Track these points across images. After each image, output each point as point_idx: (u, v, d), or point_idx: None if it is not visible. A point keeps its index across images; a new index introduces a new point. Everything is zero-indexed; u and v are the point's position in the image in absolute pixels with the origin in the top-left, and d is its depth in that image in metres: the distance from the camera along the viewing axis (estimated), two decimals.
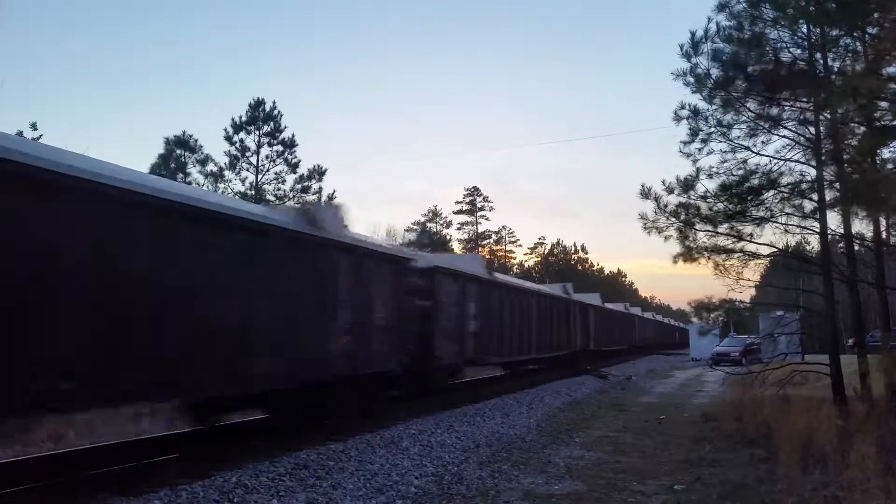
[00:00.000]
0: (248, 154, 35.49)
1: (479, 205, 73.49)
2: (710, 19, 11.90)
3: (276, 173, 35.76)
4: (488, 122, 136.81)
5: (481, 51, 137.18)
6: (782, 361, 13.90)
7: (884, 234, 12.55)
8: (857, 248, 12.78)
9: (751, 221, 12.13)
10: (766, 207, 12.08)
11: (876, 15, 10.39)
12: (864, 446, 7.58)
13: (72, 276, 6.47)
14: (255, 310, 8.91)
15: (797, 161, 12.25)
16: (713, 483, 7.92)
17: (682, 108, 12.46)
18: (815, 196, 11.88)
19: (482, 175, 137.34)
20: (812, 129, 11.90)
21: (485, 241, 74.80)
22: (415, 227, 65.94)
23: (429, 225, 67.57)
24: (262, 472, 7.93)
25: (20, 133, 23.85)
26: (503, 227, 78.11)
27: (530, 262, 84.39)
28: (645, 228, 12.73)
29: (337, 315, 10.77)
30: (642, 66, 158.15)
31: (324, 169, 36.43)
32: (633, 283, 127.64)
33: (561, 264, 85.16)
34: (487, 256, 70.21)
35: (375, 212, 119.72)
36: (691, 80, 12.10)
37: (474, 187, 73.85)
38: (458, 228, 72.85)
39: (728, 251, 12.43)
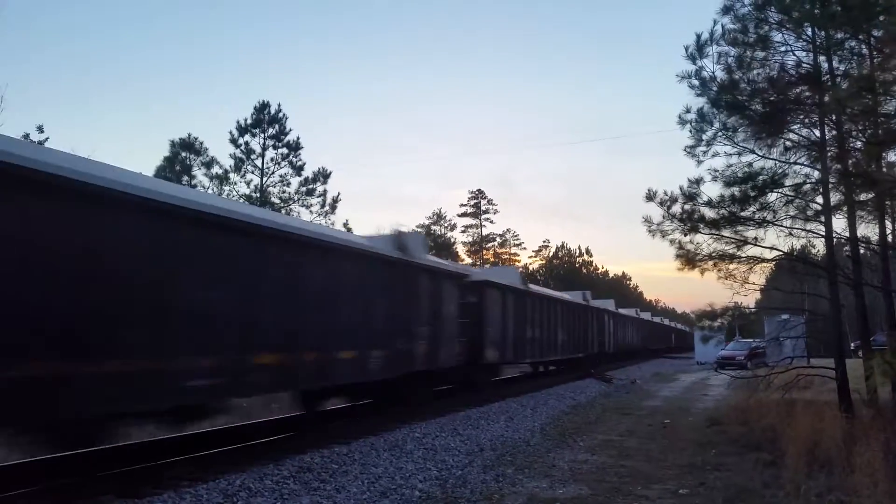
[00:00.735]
0: (253, 156, 35.48)
1: (483, 207, 73.35)
2: (715, 22, 11.88)
3: (280, 176, 35.73)
4: (493, 124, 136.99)
5: (486, 53, 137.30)
6: (788, 365, 13.84)
7: (889, 238, 12.50)
8: (862, 251, 12.72)
9: (755, 225, 12.09)
10: (771, 210, 12.04)
11: (881, 18, 10.36)
12: (870, 451, 7.55)
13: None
14: (369, 318, 11.84)
15: (802, 164, 12.22)
16: (718, 487, 7.89)
17: (688, 111, 12.44)
18: (819, 199, 11.85)
19: (487, 178, 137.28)
20: (817, 132, 11.87)
21: (489, 244, 74.73)
22: (419, 229, 65.92)
23: (433, 227, 67.53)
24: (266, 474, 7.93)
25: (26, 136, 23.84)
26: (508, 229, 78.04)
27: (535, 264, 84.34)
28: (650, 232, 12.70)
29: (419, 322, 13.53)
30: (647, 68, 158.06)
31: (329, 171, 36.39)
32: (637, 286, 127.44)
33: (565, 267, 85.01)
34: (492, 259, 70.36)
35: (380, 214, 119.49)
36: (696, 82, 12.07)
37: (479, 190, 73.75)
38: (463, 231, 72.77)
39: (733, 256, 12.39)
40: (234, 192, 34.41)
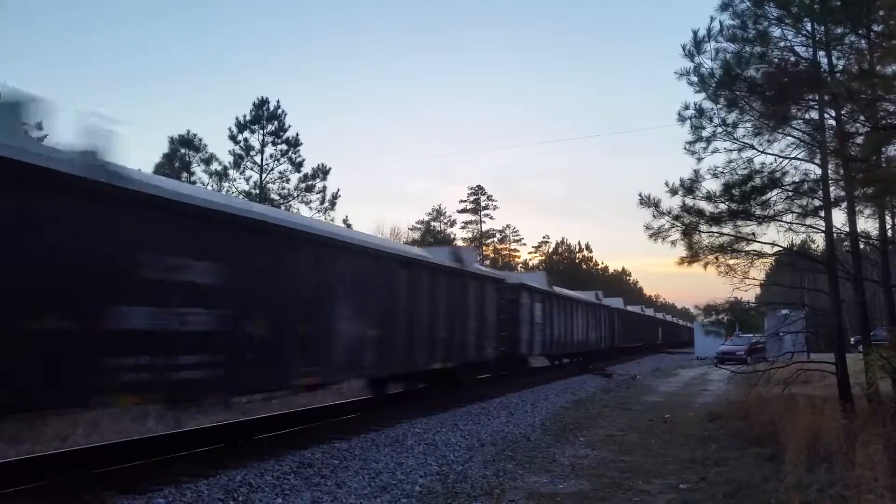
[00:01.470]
0: (252, 153, 35.49)
1: (483, 203, 73.25)
2: (713, 18, 11.87)
3: (280, 172, 35.76)
4: (493, 120, 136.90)
5: (486, 50, 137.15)
6: (788, 360, 13.86)
7: (889, 232, 12.51)
8: (862, 246, 12.73)
9: (755, 220, 12.09)
10: (770, 206, 12.04)
11: (881, 13, 10.34)
12: (870, 445, 7.55)
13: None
14: (436, 318, 14.41)
15: (802, 160, 12.22)
16: (718, 482, 7.90)
17: (687, 108, 12.44)
18: (819, 194, 11.84)
19: (486, 174, 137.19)
20: (817, 128, 11.86)
21: (489, 240, 74.70)
22: (419, 225, 65.92)
23: (433, 224, 67.49)
24: (266, 470, 7.94)
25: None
26: (507, 225, 77.97)
27: (534, 260, 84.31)
28: (651, 237, 12.70)
29: (470, 320, 16.42)
30: (646, 64, 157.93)
31: (328, 168, 36.41)
32: (637, 281, 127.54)
33: (565, 263, 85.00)
34: (491, 255, 70.36)
35: (380, 210, 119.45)
36: (695, 79, 12.07)
37: (478, 186, 73.61)
38: (463, 227, 72.68)
39: (733, 251, 12.39)
40: (234, 189, 34.40)
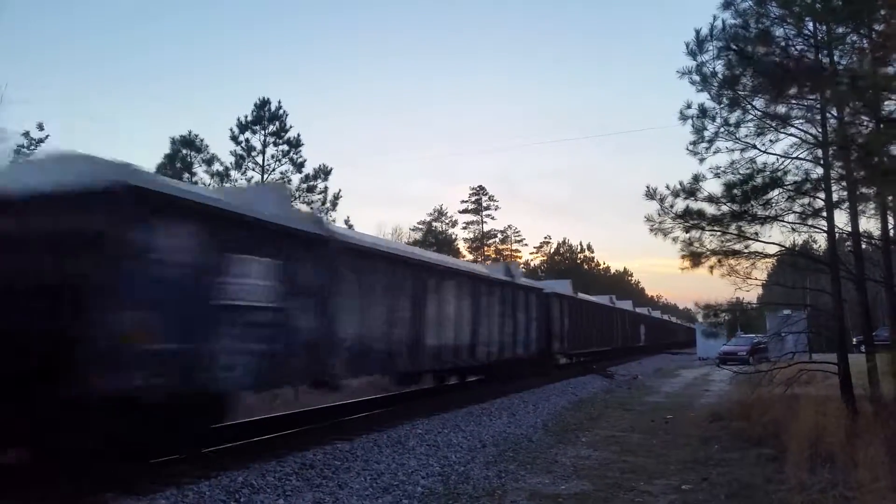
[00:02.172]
0: (253, 153, 35.39)
1: (484, 204, 73.10)
2: (715, 17, 11.83)
3: (281, 173, 35.62)
4: (494, 121, 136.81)
5: (487, 51, 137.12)
6: (790, 360, 13.82)
7: (891, 232, 12.48)
8: (864, 246, 12.72)
9: (757, 221, 12.06)
10: (772, 206, 12.01)
11: (882, 12, 10.32)
12: (872, 446, 7.54)
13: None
14: (489, 323, 17.61)
15: (805, 159, 12.18)
16: (721, 483, 7.89)
17: (689, 107, 12.38)
18: (821, 194, 11.81)
19: (488, 174, 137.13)
20: (819, 127, 11.84)
21: (490, 241, 74.61)
22: (420, 226, 65.89)
23: (434, 224, 67.44)
24: (268, 471, 7.93)
25: (26, 133, 23.79)
26: (509, 226, 77.70)
27: (536, 261, 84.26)
28: (651, 231, 12.67)
29: (517, 324, 19.85)
30: (648, 64, 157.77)
31: (329, 168, 36.26)
32: (639, 282, 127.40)
33: (567, 263, 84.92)
34: (493, 256, 70.36)
35: (381, 211, 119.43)
36: (697, 78, 12.03)
37: (480, 186, 73.46)
38: (464, 228, 72.53)
39: (735, 253, 12.35)
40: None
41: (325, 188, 36.20)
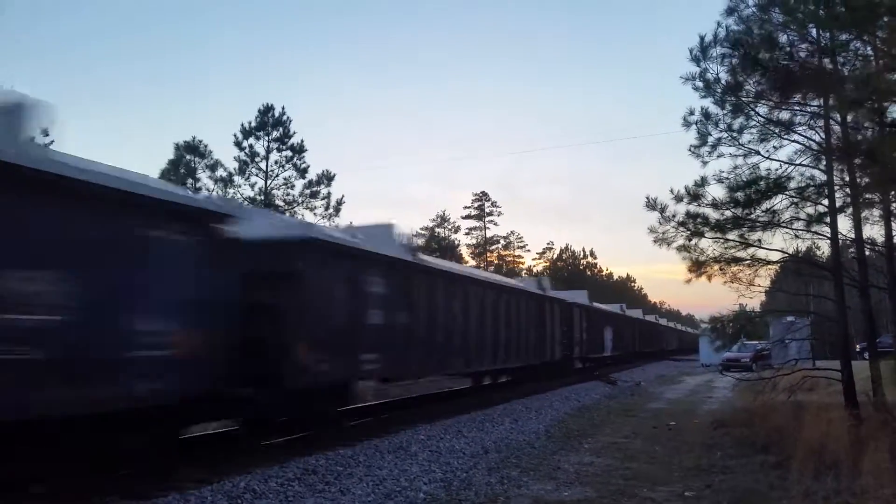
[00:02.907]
0: (257, 159, 35.56)
1: (487, 210, 73.11)
2: (719, 24, 11.84)
3: (284, 178, 35.82)
4: (496, 127, 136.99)
5: (490, 57, 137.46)
6: (793, 367, 13.78)
7: None
8: (868, 252, 12.67)
9: (760, 227, 12.04)
10: (776, 212, 11.99)
11: (886, 19, 10.31)
12: (877, 453, 7.51)
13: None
14: (528, 328, 20.97)
15: (808, 165, 12.17)
16: (724, 490, 7.86)
17: (692, 113, 12.38)
18: (825, 200, 11.79)
19: (491, 180, 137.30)
20: (822, 133, 11.83)
21: (493, 247, 74.59)
22: (423, 231, 65.90)
23: (437, 230, 67.44)
24: (270, 476, 7.92)
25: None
26: (512, 231, 77.69)
27: (539, 267, 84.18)
28: (655, 242, 12.66)
29: (547, 331, 23.17)
30: (651, 71, 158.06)
31: (332, 174, 36.49)
32: (641, 288, 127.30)
33: (569, 269, 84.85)
34: (496, 262, 70.33)
35: (383, 216, 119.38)
36: (700, 84, 12.03)
37: (483, 192, 73.49)
38: (467, 233, 72.56)
39: (738, 260, 12.33)
40: (239, 195, 34.45)
41: (329, 193, 36.37)
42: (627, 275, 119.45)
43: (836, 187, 11.59)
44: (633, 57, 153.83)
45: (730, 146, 12.29)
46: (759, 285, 12.98)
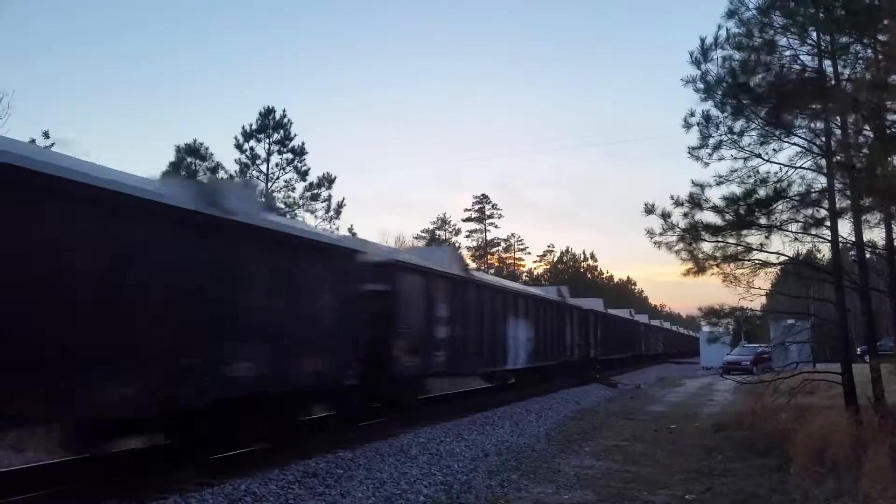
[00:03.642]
0: (258, 162, 35.54)
1: (487, 212, 73.18)
2: (720, 26, 11.85)
3: (285, 181, 35.79)
4: (497, 129, 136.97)
5: (490, 59, 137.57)
6: (793, 370, 13.77)
7: None
8: (868, 255, 12.67)
9: (758, 228, 12.04)
10: (776, 215, 11.99)
11: (886, 22, 10.32)
12: (878, 456, 7.50)
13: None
14: (549, 332, 23.55)
15: (809, 169, 12.17)
16: (725, 493, 7.85)
17: (692, 114, 12.38)
18: (825, 204, 11.79)
19: (491, 182, 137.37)
20: (823, 138, 11.83)
21: (494, 249, 74.65)
22: (424, 234, 65.92)
23: (438, 232, 67.47)
24: (271, 479, 7.92)
25: (32, 141, 23.86)
26: (512, 234, 77.81)
27: (539, 269, 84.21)
28: (655, 244, 12.66)
29: (566, 334, 26.04)
30: (651, 74, 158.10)
31: (333, 177, 36.47)
32: (642, 290, 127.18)
33: (570, 272, 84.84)
34: (497, 264, 70.35)
35: (384, 218, 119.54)
36: (701, 86, 12.03)
37: (483, 195, 73.55)
38: (467, 236, 72.58)
39: (737, 260, 12.33)
40: None
41: (329, 196, 36.37)
42: (628, 277, 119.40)
43: (837, 191, 11.59)
44: (634, 59, 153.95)
45: (730, 149, 12.30)
46: (760, 287, 12.99)
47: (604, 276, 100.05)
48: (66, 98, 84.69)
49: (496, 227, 74.03)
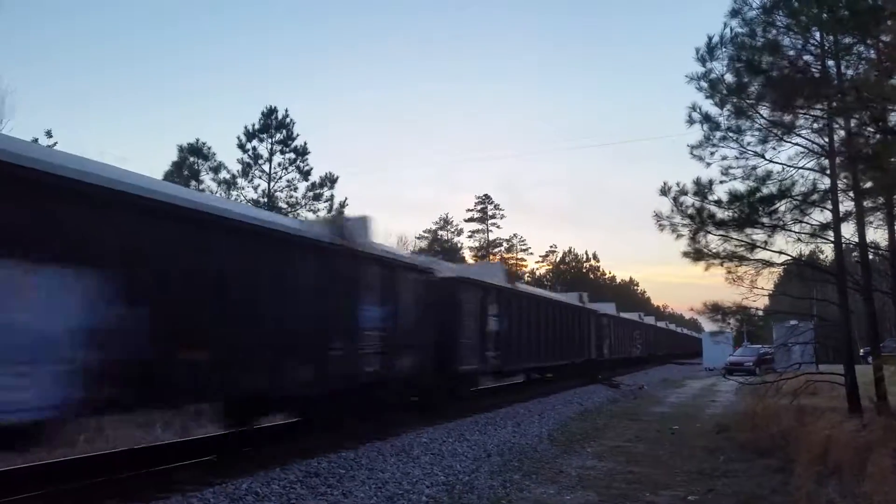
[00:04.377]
0: (260, 162, 35.57)
1: (490, 212, 73.21)
2: (725, 24, 11.85)
3: (288, 181, 35.80)
4: (499, 129, 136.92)
5: (492, 59, 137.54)
6: (796, 371, 13.76)
7: None
8: (871, 256, 12.65)
9: (763, 230, 12.04)
10: (779, 217, 11.98)
11: (889, 22, 10.31)
12: (881, 458, 7.48)
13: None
14: (569, 333, 25.82)
15: (811, 169, 12.16)
16: (727, 494, 7.84)
17: (695, 109, 12.38)
18: (828, 204, 11.77)
19: (493, 183, 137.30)
20: (826, 137, 11.81)
21: (496, 249, 74.62)
22: (426, 234, 65.96)
23: (440, 232, 67.50)
24: (273, 479, 7.92)
25: (35, 140, 23.91)
26: (514, 234, 77.77)
27: (542, 269, 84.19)
28: (659, 227, 12.65)
29: (583, 336, 27.87)
30: (654, 74, 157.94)
31: (335, 176, 36.49)
32: (644, 291, 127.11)
33: (573, 273, 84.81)
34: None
35: (386, 218, 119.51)
36: (705, 84, 12.03)
37: (485, 195, 73.57)
38: (470, 236, 72.66)
39: (741, 258, 12.32)
40: (242, 197, 34.48)
41: (332, 196, 36.39)
42: (630, 278, 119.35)
43: (840, 192, 11.59)
44: (636, 59, 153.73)
45: (732, 148, 12.30)
46: (763, 287, 12.99)
47: (606, 276, 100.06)
48: (68, 96, 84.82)
49: (498, 227, 74.11)
